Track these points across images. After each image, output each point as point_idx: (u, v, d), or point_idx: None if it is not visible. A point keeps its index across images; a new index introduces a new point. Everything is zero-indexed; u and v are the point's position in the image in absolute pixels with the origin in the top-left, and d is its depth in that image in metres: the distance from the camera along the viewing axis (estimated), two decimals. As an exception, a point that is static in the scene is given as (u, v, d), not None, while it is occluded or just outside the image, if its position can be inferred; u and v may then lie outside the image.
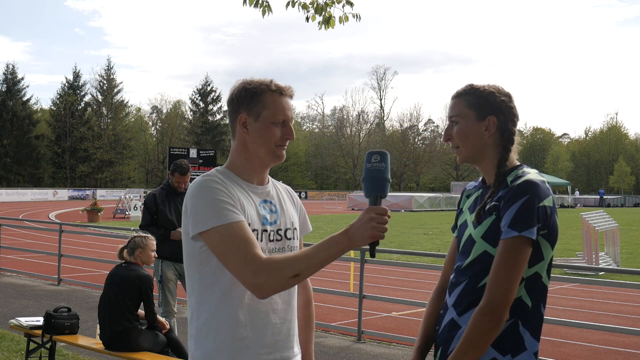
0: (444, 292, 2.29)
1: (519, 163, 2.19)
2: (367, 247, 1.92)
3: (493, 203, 2.10)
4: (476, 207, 2.18)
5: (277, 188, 2.29)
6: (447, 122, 2.26)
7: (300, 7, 6.69)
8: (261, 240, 2.11)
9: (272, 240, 2.15)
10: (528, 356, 2.04)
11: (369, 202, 1.97)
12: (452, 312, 2.13)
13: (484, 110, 2.17)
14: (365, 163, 2.00)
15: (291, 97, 2.22)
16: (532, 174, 2.10)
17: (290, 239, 2.21)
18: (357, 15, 6.68)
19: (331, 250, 1.93)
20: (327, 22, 6.73)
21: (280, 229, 2.19)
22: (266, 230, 2.14)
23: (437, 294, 2.34)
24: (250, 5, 6.50)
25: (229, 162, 2.22)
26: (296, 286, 2.21)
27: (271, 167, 2.25)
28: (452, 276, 2.22)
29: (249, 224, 2.08)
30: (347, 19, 6.71)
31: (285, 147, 2.20)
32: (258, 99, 2.15)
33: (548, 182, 2.10)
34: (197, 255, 2.08)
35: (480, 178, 2.29)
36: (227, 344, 2.05)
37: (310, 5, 6.70)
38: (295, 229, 2.25)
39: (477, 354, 2.00)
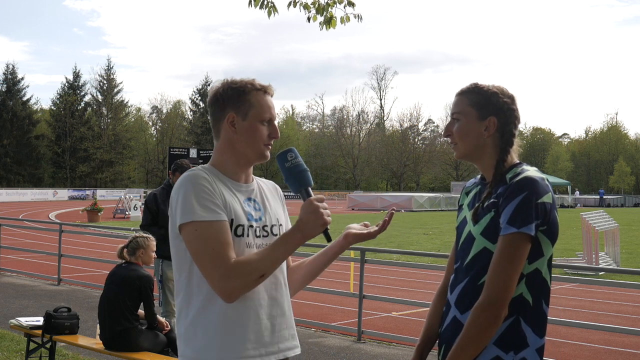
0: (447, 291, 2.29)
1: (518, 161, 2.21)
2: (323, 236, 2.08)
3: (492, 200, 2.11)
4: (475, 204, 2.20)
5: (260, 186, 2.31)
6: (449, 118, 2.28)
7: (301, 7, 6.68)
8: (248, 235, 2.13)
9: (259, 236, 2.17)
10: (531, 352, 2.05)
11: (301, 197, 2.11)
12: (455, 311, 2.14)
13: (485, 110, 2.19)
14: (283, 164, 2.12)
15: (272, 95, 2.24)
16: (531, 171, 2.11)
17: (276, 234, 2.22)
18: (358, 15, 6.66)
19: (288, 247, 2.05)
20: (329, 22, 6.71)
21: (266, 225, 2.21)
22: (252, 226, 2.15)
23: (440, 293, 2.35)
24: (255, 6, 6.49)
25: (214, 160, 2.23)
26: (282, 281, 2.23)
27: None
28: (452, 274, 2.23)
29: (234, 220, 2.10)
30: (348, 19, 6.69)
31: (271, 146, 2.23)
32: (245, 98, 2.17)
33: (548, 180, 2.11)
34: (183, 252, 2.10)
35: (480, 175, 2.30)
36: (216, 340, 2.06)
37: (311, 6, 6.69)
38: (280, 225, 2.27)
39: (476, 350, 2.02)
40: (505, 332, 2.04)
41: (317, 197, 2.07)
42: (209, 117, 2.27)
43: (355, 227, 2.32)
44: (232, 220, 2.09)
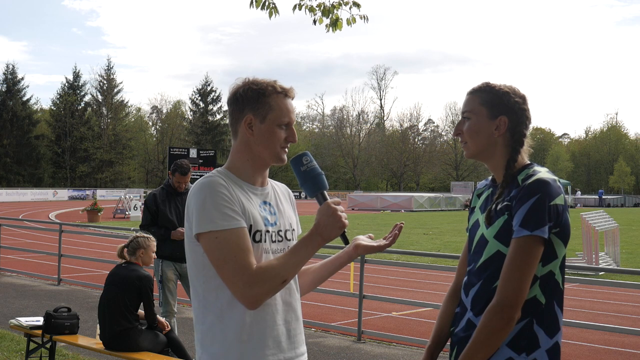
0: (458, 293, 2.29)
1: (529, 162, 2.20)
2: (340, 239, 2.08)
3: (505, 203, 2.10)
4: (487, 207, 2.19)
5: (275, 189, 2.29)
6: (450, 118, 2.27)
7: (307, 10, 6.64)
8: (265, 241, 2.11)
9: (275, 241, 2.15)
10: (541, 353, 2.05)
11: (317, 200, 2.10)
12: (470, 313, 2.14)
13: (496, 109, 2.18)
14: (298, 167, 2.11)
15: (293, 98, 2.22)
16: (542, 172, 2.10)
17: (290, 240, 2.21)
18: (364, 16, 6.61)
19: (309, 251, 2.04)
20: (335, 24, 6.67)
21: (281, 230, 2.19)
22: (268, 231, 2.14)
23: (451, 295, 2.34)
24: (257, 7, 6.45)
25: (230, 163, 2.20)
26: (295, 286, 2.22)
27: (270, 167, 2.25)
28: (465, 277, 2.22)
29: (252, 225, 2.08)
30: (354, 20, 6.63)
31: (287, 149, 2.20)
32: (265, 100, 2.14)
33: (560, 182, 2.11)
34: (201, 258, 2.07)
35: (491, 177, 2.30)
36: (234, 346, 2.05)
37: (317, 8, 6.64)
38: (293, 230, 2.26)
39: (488, 352, 2.01)
40: (518, 334, 2.03)
41: (334, 200, 2.06)
42: (228, 116, 2.24)
43: (364, 239, 2.31)
44: (250, 226, 2.07)
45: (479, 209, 2.25)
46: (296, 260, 2.03)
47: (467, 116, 2.22)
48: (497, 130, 2.18)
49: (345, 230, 2.05)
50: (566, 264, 2.23)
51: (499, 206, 2.11)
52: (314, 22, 6.65)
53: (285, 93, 2.17)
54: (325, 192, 2.11)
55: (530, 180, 2.06)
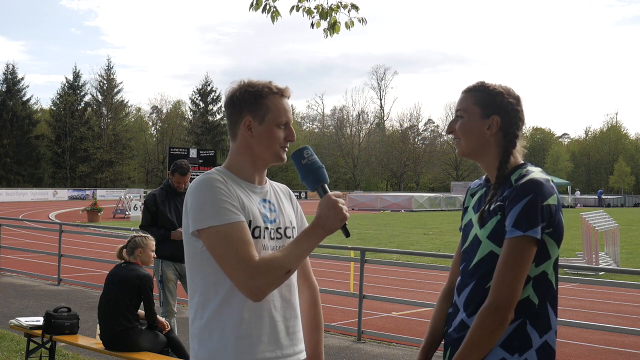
0: (452, 293, 2.29)
1: (522, 162, 2.20)
2: (341, 231, 2.08)
3: (498, 203, 2.10)
4: (480, 207, 2.19)
5: (274, 188, 2.32)
6: (453, 115, 2.28)
7: (304, 12, 6.60)
8: (263, 238, 2.13)
9: (273, 238, 2.17)
10: (531, 353, 2.05)
11: (318, 194, 2.10)
12: (462, 313, 2.14)
13: (489, 109, 2.19)
14: (299, 161, 2.13)
15: (289, 97, 2.25)
16: (536, 172, 2.10)
17: (289, 237, 2.23)
18: (363, 19, 6.58)
19: (311, 243, 2.06)
20: (333, 27, 6.62)
21: (280, 228, 2.21)
22: (267, 228, 2.16)
23: (445, 295, 2.34)
24: (256, 10, 6.41)
25: (229, 163, 2.23)
26: (295, 283, 2.24)
27: (271, 167, 2.27)
28: (458, 277, 2.22)
29: (252, 221, 2.10)
30: (352, 24, 6.57)
31: (287, 148, 2.23)
32: (262, 102, 2.17)
33: (553, 181, 2.10)
34: (199, 254, 2.09)
35: (484, 176, 2.30)
36: (232, 342, 2.06)
37: (314, 10, 6.60)
38: (294, 227, 2.28)
39: (481, 353, 2.01)
40: (511, 335, 2.03)
41: (335, 192, 2.08)
42: (225, 118, 2.26)
43: None
44: (249, 222, 2.09)
45: (472, 208, 2.25)
46: (298, 252, 2.04)
47: (460, 114, 2.23)
48: (489, 130, 2.18)
49: (346, 222, 2.06)
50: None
51: (492, 206, 2.11)
52: (312, 25, 6.61)
53: (282, 93, 2.20)
54: (326, 185, 2.13)
55: (523, 181, 2.06)
